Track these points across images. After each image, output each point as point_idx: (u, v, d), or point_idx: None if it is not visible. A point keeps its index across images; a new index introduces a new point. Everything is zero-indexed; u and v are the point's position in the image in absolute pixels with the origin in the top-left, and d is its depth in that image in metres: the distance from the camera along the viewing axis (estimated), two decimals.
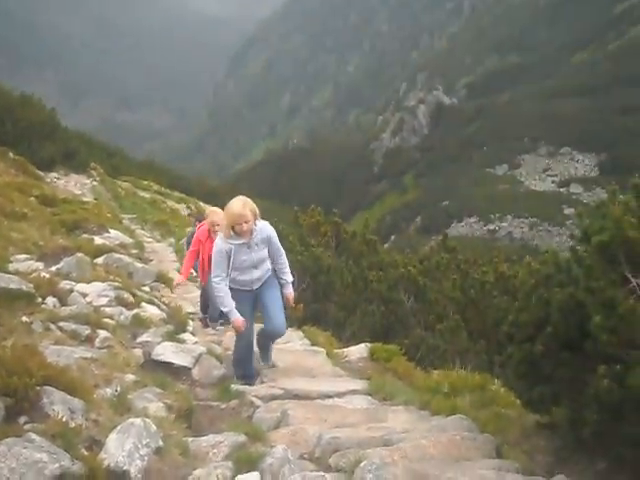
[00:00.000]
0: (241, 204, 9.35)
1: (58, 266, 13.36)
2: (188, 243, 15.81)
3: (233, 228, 9.42)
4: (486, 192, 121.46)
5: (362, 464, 6.05)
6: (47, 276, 11.64)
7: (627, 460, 6.11)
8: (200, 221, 15.27)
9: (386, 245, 77.87)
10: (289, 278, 10.35)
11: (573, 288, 6.42)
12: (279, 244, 10.14)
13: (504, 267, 18.72)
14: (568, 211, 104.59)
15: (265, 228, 9.82)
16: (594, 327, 5.84)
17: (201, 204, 52.63)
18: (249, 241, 9.56)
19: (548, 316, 6.67)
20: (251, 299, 10.04)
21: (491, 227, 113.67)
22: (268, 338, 10.66)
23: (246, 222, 9.31)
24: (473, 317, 16.50)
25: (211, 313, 14.60)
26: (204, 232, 13.84)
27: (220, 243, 9.62)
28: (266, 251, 9.92)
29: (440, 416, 8.34)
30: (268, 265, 10.06)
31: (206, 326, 14.70)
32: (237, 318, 9.57)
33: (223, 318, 13.77)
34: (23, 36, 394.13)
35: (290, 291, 10.43)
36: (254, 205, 9.51)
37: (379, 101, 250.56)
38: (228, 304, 9.58)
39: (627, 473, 6.08)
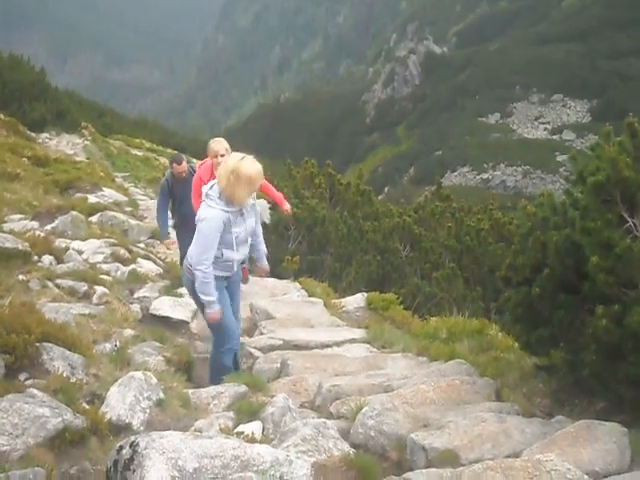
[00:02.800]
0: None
1: (53, 225, 13.38)
2: (164, 193, 12.44)
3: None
4: (479, 141, 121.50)
5: (363, 410, 6.10)
6: (42, 235, 11.64)
7: (626, 399, 6.14)
8: (178, 162, 12.26)
9: (380, 197, 77.92)
10: (265, 249, 8.61)
11: (569, 230, 6.41)
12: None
13: (499, 214, 18.75)
14: (561, 158, 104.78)
15: None
16: (591, 268, 5.85)
17: (194, 160, 52.52)
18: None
19: (545, 258, 6.66)
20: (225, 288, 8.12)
21: (484, 176, 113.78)
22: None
23: None
24: (469, 264, 16.54)
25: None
26: (207, 169, 10.60)
27: (218, 212, 7.41)
28: (253, 220, 7.97)
29: (439, 361, 8.38)
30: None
31: None
32: (217, 310, 7.71)
33: None
34: None
35: (266, 263, 8.71)
36: None
37: (370, 52, 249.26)
38: (213, 292, 7.60)
39: (626, 412, 6.12)
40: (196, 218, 7.49)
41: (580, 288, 6.21)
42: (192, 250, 7.47)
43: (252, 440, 5.16)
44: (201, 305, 7.73)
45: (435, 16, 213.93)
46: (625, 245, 5.64)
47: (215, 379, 7.74)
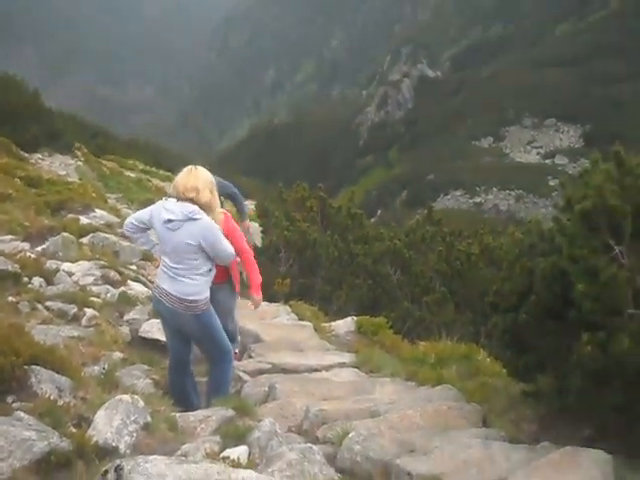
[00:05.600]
0: None
1: (44, 246, 13.36)
2: None
3: None
4: (471, 165, 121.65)
5: (350, 435, 6.11)
6: (33, 256, 11.65)
7: (611, 426, 6.16)
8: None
9: (372, 220, 78.00)
10: None
11: (556, 257, 6.44)
12: None
13: (489, 239, 18.80)
14: (553, 182, 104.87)
15: None
16: (577, 295, 5.87)
17: None
18: None
19: (532, 285, 6.70)
20: None
21: (477, 200, 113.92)
22: None
23: None
24: (459, 289, 16.58)
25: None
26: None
27: None
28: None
29: (426, 387, 8.41)
30: None
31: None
32: None
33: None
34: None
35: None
36: None
37: (363, 75, 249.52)
38: None
39: (612, 439, 6.13)
40: (208, 231, 7.26)
41: (566, 315, 6.23)
42: (228, 248, 7.49)
43: (237, 465, 5.15)
44: (208, 334, 7.75)
45: (429, 40, 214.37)
46: (611, 273, 5.67)
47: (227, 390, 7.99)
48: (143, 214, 7.66)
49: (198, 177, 7.28)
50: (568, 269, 6.11)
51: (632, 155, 6.37)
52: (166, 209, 7.23)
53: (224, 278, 8.69)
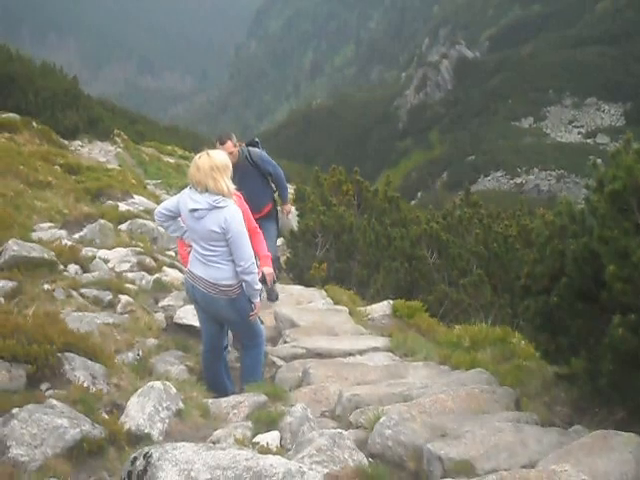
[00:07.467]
0: None
1: (81, 233, 13.49)
2: None
3: None
4: (512, 145, 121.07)
5: (381, 420, 6.11)
6: (69, 244, 11.73)
7: None
8: (221, 142, 10.43)
9: (413, 202, 77.88)
10: None
11: (587, 238, 6.39)
12: None
13: (526, 220, 18.67)
14: None
15: None
16: (608, 277, 5.83)
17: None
18: None
19: (563, 267, 6.65)
20: None
21: (518, 180, 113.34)
22: None
23: None
24: (496, 271, 16.47)
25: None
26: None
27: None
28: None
29: (460, 370, 8.39)
30: None
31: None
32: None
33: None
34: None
35: None
36: None
37: (402, 57, 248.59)
38: None
39: None
40: (231, 221, 7.17)
41: (598, 296, 6.19)
42: (247, 253, 7.35)
43: (267, 450, 5.18)
44: (242, 318, 7.70)
45: (467, 20, 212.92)
46: None
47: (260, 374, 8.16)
48: (171, 203, 7.69)
49: (199, 169, 7.13)
50: (599, 250, 6.07)
51: None
52: (192, 199, 7.23)
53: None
